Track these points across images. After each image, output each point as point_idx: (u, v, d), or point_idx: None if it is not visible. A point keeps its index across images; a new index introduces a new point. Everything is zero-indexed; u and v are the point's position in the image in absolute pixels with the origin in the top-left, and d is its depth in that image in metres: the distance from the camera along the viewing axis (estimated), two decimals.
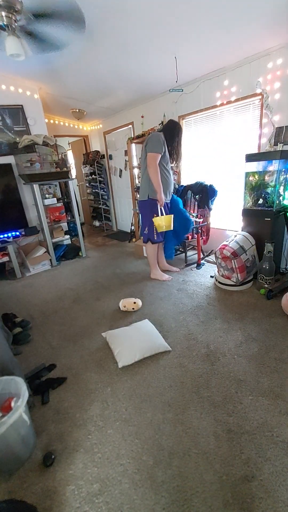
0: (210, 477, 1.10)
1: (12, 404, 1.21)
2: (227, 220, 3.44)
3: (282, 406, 1.38)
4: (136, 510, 1.02)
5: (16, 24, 2.00)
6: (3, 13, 1.87)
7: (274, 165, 2.47)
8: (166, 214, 2.76)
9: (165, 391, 1.54)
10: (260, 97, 2.65)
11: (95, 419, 1.41)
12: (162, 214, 2.70)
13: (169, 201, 2.87)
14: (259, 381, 1.54)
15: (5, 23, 1.90)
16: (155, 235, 2.79)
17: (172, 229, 2.77)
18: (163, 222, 2.66)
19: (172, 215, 2.74)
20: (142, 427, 1.34)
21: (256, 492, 1.04)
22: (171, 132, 2.65)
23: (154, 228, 2.74)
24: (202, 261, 3.35)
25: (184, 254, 3.53)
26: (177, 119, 3.57)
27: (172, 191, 2.87)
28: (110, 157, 5.28)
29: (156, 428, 1.32)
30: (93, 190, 5.79)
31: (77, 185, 6.31)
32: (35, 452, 1.27)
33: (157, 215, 2.70)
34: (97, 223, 6.07)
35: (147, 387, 1.57)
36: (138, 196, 3.48)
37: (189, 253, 3.59)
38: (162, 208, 2.70)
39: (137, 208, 4.05)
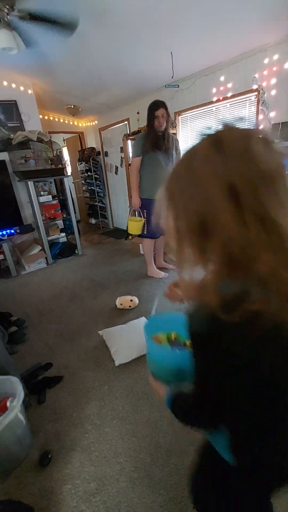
0: None
1: (8, 404, 1.20)
2: None
3: None
4: (134, 508, 1.02)
5: (8, 17, 1.95)
6: None
7: None
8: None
9: None
10: (256, 93, 2.63)
11: (92, 417, 1.41)
12: (140, 216, 2.77)
13: None
14: None
15: None
16: (145, 229, 2.79)
17: (139, 233, 2.79)
18: (133, 225, 2.74)
19: (143, 222, 2.74)
20: (139, 425, 1.34)
21: None
22: (148, 123, 2.51)
23: (145, 223, 2.75)
24: None
25: None
26: (173, 115, 3.54)
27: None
28: (106, 154, 5.23)
29: (153, 426, 1.32)
30: (89, 187, 5.75)
31: (73, 182, 6.25)
32: (32, 452, 1.26)
33: (141, 215, 2.75)
34: (93, 221, 6.03)
35: (144, 385, 1.57)
36: None
37: None
38: (138, 211, 2.76)
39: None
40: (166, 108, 2.40)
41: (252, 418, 0.47)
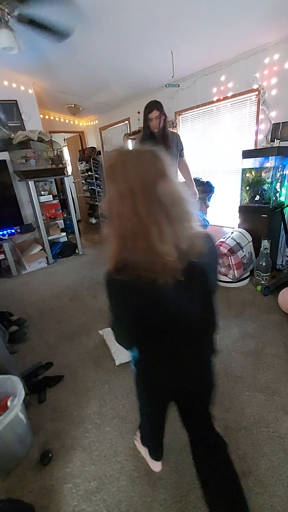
0: None
1: (9, 403, 1.20)
2: (224, 217, 3.44)
3: (278, 401, 1.39)
4: (134, 507, 1.02)
5: (8, 16, 1.96)
6: None
7: (271, 162, 2.47)
8: None
9: None
10: (257, 92, 2.63)
11: (93, 417, 1.41)
12: None
13: None
14: (256, 377, 1.55)
15: None
16: None
17: None
18: None
19: None
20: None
21: (252, 487, 1.04)
22: (143, 125, 2.45)
23: None
24: None
25: None
26: (173, 115, 3.54)
27: None
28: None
29: None
30: (89, 187, 5.74)
31: (73, 182, 6.25)
32: (32, 451, 1.26)
33: None
34: (93, 220, 6.03)
35: None
36: None
37: None
38: None
39: None
40: (159, 109, 2.34)
41: (138, 338, 0.76)
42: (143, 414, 1.06)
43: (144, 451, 1.18)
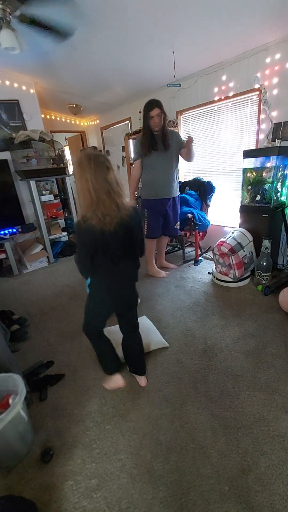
0: (207, 471, 1.11)
1: (10, 401, 1.21)
2: (225, 216, 3.44)
3: (278, 400, 1.39)
4: (134, 505, 1.03)
5: (10, 16, 1.96)
6: None
7: (272, 161, 2.46)
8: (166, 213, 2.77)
9: (163, 386, 1.55)
10: (258, 92, 2.63)
11: (93, 415, 1.42)
12: None
13: (167, 200, 2.72)
14: (256, 376, 1.56)
15: None
16: (145, 230, 2.79)
17: None
18: None
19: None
20: (139, 422, 1.35)
21: (252, 485, 1.05)
22: (143, 123, 2.48)
23: (145, 223, 2.76)
24: (200, 258, 3.35)
25: (182, 250, 3.53)
26: (174, 114, 3.54)
27: (163, 191, 2.65)
28: (108, 153, 5.24)
29: (154, 423, 1.33)
30: None
31: (74, 182, 6.26)
32: (33, 448, 1.27)
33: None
34: None
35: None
36: None
37: (187, 249, 3.59)
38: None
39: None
40: (160, 106, 2.36)
41: (91, 268, 1.22)
42: (90, 329, 1.51)
43: (108, 382, 1.57)
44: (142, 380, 1.58)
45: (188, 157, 2.60)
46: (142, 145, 2.50)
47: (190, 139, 2.45)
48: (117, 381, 1.54)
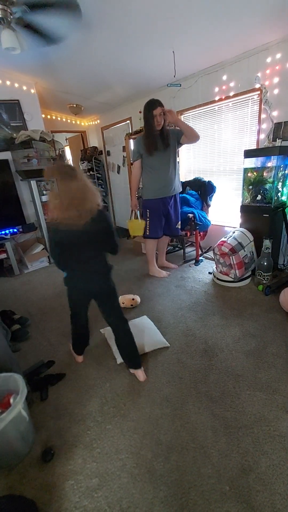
0: (208, 471, 1.11)
1: (11, 400, 1.22)
2: (226, 216, 3.44)
3: (279, 400, 1.39)
4: (135, 504, 1.03)
5: (11, 17, 1.96)
6: None
7: (273, 161, 2.46)
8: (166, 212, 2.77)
9: (164, 386, 1.55)
10: (258, 92, 2.63)
11: (94, 414, 1.42)
12: (137, 218, 2.84)
13: (169, 199, 2.74)
14: (257, 376, 1.56)
15: (0, 16, 1.87)
16: (148, 231, 2.79)
17: (141, 233, 2.84)
18: (133, 226, 2.79)
19: (144, 223, 2.76)
20: (140, 422, 1.35)
21: (253, 485, 1.05)
22: (146, 123, 2.46)
23: (147, 224, 2.77)
24: (201, 258, 3.35)
25: (182, 250, 3.53)
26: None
27: (167, 189, 2.67)
28: (108, 153, 5.24)
29: (155, 423, 1.33)
30: None
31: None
32: (34, 448, 1.27)
33: (137, 216, 2.80)
34: None
35: (145, 383, 1.58)
36: None
37: (188, 249, 3.59)
38: (136, 212, 2.83)
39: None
40: (162, 106, 2.38)
41: (63, 262, 1.45)
42: (71, 315, 1.70)
43: (71, 348, 1.84)
44: (140, 374, 1.61)
45: (189, 137, 2.48)
46: (146, 145, 2.50)
47: (170, 113, 2.36)
48: (78, 358, 1.84)
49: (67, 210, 1.25)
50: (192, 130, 2.46)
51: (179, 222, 2.95)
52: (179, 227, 2.98)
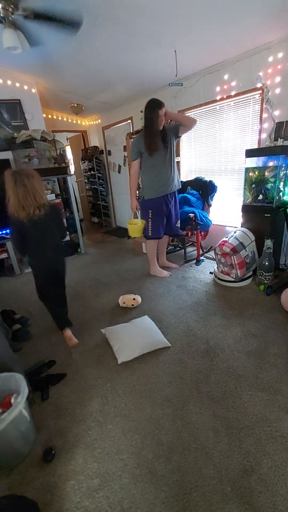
0: (209, 471, 1.11)
1: (12, 400, 1.21)
2: (227, 216, 3.43)
3: (281, 401, 1.39)
4: (136, 505, 1.02)
5: (13, 16, 1.96)
6: (0, 5, 1.83)
7: (274, 161, 2.45)
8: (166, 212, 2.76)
9: (165, 386, 1.54)
10: (260, 91, 2.62)
11: (95, 414, 1.42)
12: (137, 218, 2.83)
13: (170, 197, 2.75)
14: (258, 377, 1.55)
15: (1, 15, 1.87)
16: (150, 231, 2.78)
17: (139, 235, 2.85)
18: (132, 228, 2.78)
19: (143, 224, 2.76)
20: (141, 422, 1.34)
21: (255, 486, 1.04)
22: (148, 122, 2.45)
23: (149, 224, 2.75)
24: (202, 258, 3.35)
25: (183, 250, 3.52)
26: None
27: (168, 187, 2.66)
28: (109, 152, 5.24)
29: (156, 423, 1.33)
30: (92, 186, 5.76)
31: (76, 181, 6.27)
32: (35, 448, 1.27)
33: (138, 217, 2.78)
34: (96, 220, 6.05)
35: (146, 383, 1.58)
36: None
37: (189, 249, 3.58)
38: (135, 213, 2.82)
39: None
40: (164, 106, 2.43)
41: (24, 248, 1.83)
42: (40, 296, 2.05)
43: (63, 334, 1.99)
44: (68, 334, 1.96)
45: (187, 124, 2.53)
46: (148, 144, 2.49)
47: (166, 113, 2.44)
48: (66, 334, 1.97)
49: (24, 206, 1.66)
50: (186, 116, 2.55)
51: (179, 221, 2.95)
52: (179, 225, 2.97)
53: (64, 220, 2.34)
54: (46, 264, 1.87)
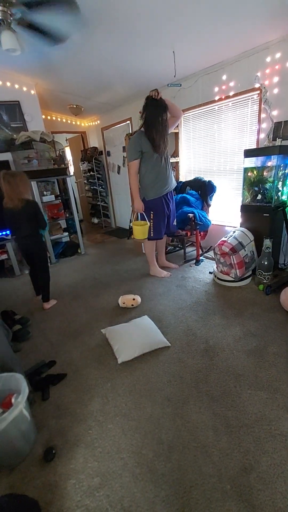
0: (209, 470, 1.11)
1: (13, 400, 1.22)
2: (226, 216, 3.44)
3: (280, 400, 1.39)
4: (137, 503, 1.03)
5: (11, 18, 1.97)
6: None
7: (273, 161, 2.46)
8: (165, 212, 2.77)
9: (165, 386, 1.55)
10: (258, 91, 2.63)
11: (95, 414, 1.42)
12: (144, 219, 2.75)
13: (169, 196, 2.78)
14: (258, 376, 1.56)
15: (0, 17, 1.88)
16: (152, 232, 2.78)
17: (145, 237, 2.75)
18: (138, 230, 2.69)
19: (148, 225, 2.70)
20: (141, 421, 1.35)
21: (254, 484, 1.05)
22: (155, 121, 2.45)
23: (151, 226, 2.75)
24: (201, 257, 3.36)
25: (183, 250, 3.53)
26: None
27: (168, 186, 2.69)
28: (108, 153, 5.25)
29: (156, 423, 1.34)
30: (92, 187, 5.77)
31: (75, 182, 6.28)
32: (36, 447, 1.28)
33: (145, 218, 2.73)
34: (95, 220, 6.05)
35: (146, 383, 1.58)
36: None
37: (188, 249, 3.59)
38: (141, 214, 2.75)
39: None
40: None
41: (11, 231, 2.63)
42: (27, 264, 2.65)
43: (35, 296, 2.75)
44: (45, 304, 2.60)
45: (174, 117, 2.59)
46: (159, 145, 2.48)
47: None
48: (36, 299, 2.73)
49: (10, 198, 2.22)
50: (176, 106, 2.59)
51: (175, 219, 2.97)
52: (176, 223, 2.99)
53: (44, 215, 2.36)
54: (21, 244, 2.49)
